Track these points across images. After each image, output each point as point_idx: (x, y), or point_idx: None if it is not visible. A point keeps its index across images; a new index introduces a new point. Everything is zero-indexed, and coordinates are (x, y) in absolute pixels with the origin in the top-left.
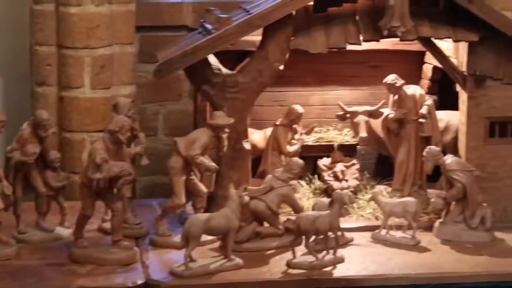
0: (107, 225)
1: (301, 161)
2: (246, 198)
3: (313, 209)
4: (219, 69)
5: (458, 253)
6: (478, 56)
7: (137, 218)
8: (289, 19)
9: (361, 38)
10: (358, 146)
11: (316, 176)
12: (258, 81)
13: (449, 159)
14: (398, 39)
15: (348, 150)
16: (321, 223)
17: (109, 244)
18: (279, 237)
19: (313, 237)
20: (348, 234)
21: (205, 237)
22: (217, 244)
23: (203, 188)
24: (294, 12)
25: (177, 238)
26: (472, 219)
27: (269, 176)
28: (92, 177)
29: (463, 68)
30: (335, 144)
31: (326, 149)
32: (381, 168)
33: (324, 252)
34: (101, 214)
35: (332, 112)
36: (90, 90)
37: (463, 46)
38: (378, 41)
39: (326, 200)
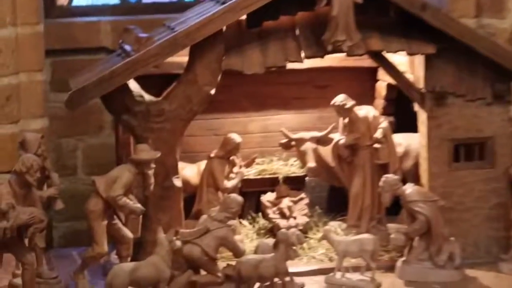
0: (19, 281)
1: (239, 198)
2: (178, 243)
3: (255, 252)
4: (142, 96)
5: None
6: (437, 71)
7: (53, 271)
8: (219, 36)
9: (303, 55)
10: (306, 178)
11: (259, 214)
12: (187, 108)
13: (409, 188)
14: (345, 54)
15: (295, 183)
16: (265, 268)
17: None
18: (219, 286)
19: (257, 284)
20: (298, 279)
21: None
22: None
23: (128, 233)
24: (224, 29)
25: None
26: (438, 256)
27: (204, 217)
28: None
29: (420, 84)
30: (280, 176)
31: (270, 183)
32: (333, 202)
33: None
34: (12, 268)
35: (275, 140)
36: None
37: (419, 60)
38: (322, 57)
39: (270, 241)
